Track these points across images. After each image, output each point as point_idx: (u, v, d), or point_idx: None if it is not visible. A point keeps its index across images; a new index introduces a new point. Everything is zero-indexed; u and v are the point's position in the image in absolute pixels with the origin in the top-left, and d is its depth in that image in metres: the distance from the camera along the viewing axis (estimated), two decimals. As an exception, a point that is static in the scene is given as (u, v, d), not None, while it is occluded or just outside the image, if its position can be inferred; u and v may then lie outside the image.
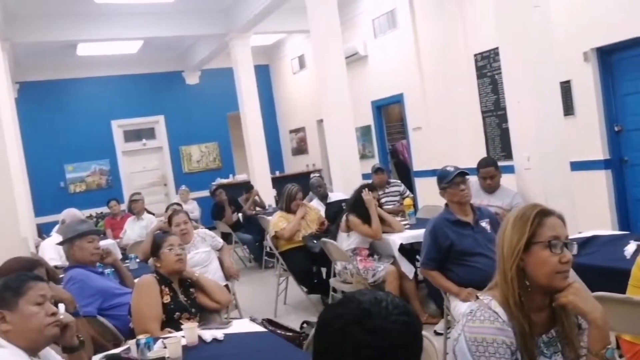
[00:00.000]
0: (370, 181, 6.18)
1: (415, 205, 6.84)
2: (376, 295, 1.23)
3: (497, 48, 6.94)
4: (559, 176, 4.58)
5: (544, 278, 1.66)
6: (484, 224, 3.62)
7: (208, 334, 2.53)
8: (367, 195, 4.73)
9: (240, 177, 11.90)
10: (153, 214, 7.90)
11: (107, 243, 6.34)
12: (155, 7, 9.18)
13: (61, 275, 3.95)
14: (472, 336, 1.63)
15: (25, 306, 1.91)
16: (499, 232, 1.78)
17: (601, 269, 2.95)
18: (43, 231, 9.04)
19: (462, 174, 3.61)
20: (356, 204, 4.77)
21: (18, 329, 1.88)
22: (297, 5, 8.45)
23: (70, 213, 5.56)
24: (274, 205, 9.15)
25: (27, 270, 2.44)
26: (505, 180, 4.81)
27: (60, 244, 3.71)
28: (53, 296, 2.13)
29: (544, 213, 1.71)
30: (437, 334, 4.24)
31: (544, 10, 4.46)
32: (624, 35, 5.71)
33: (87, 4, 8.43)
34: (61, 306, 2.43)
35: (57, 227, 6.19)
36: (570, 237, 3.72)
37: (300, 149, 13.33)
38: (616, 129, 6.15)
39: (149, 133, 12.98)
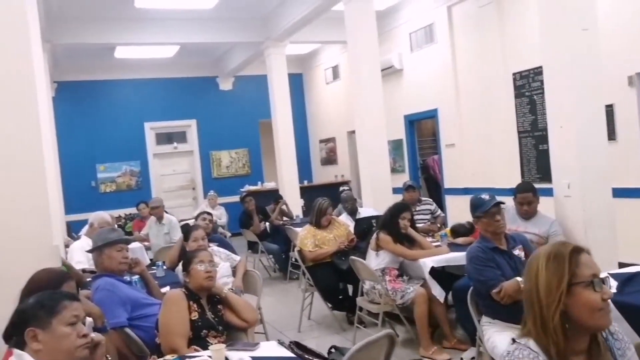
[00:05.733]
0: (402, 199, 6.12)
1: (445, 224, 6.71)
2: None
3: (537, 68, 6.83)
4: (600, 205, 4.42)
5: (589, 319, 1.58)
6: (517, 251, 3.50)
7: (236, 357, 2.47)
8: (405, 222, 4.65)
9: (268, 185, 11.90)
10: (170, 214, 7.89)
11: (134, 246, 6.38)
12: (193, 13, 9.25)
13: (88, 279, 3.96)
14: None
15: (58, 326, 1.87)
16: (528, 275, 1.67)
17: (647, 310, 2.79)
18: (72, 229, 9.15)
19: (498, 204, 3.49)
20: (390, 223, 4.67)
21: (48, 349, 1.84)
22: (333, 16, 8.43)
23: (99, 217, 5.58)
24: (301, 215, 9.11)
25: (56, 283, 2.41)
26: (541, 204, 4.65)
27: (89, 251, 3.70)
28: (83, 309, 2.09)
29: (577, 250, 1.63)
30: (465, 362, 4.12)
31: (593, 34, 4.33)
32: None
33: (127, 8, 8.54)
34: (89, 320, 2.40)
35: (85, 228, 6.23)
36: (610, 271, 3.60)
37: (330, 160, 13.27)
38: (659, 156, 5.95)
39: (181, 136, 13.08)
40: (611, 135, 5.92)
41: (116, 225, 7.99)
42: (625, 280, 3.18)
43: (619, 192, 5.01)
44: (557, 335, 1.57)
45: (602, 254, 4.23)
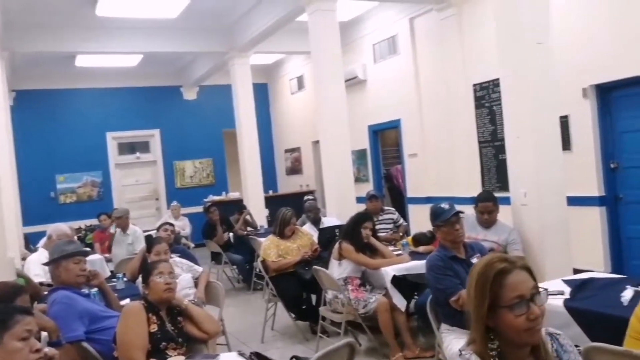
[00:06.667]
0: (364, 208, 6.16)
1: (408, 232, 6.80)
2: None
3: (496, 79, 7.00)
4: (556, 212, 4.55)
5: (515, 338, 1.63)
6: (475, 260, 3.56)
7: (194, 369, 2.45)
8: (366, 232, 4.68)
9: (233, 195, 11.83)
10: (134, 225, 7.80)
11: (94, 258, 6.26)
12: (157, 23, 9.17)
13: (45, 292, 3.87)
14: None
15: (9, 341, 1.83)
16: (467, 286, 1.72)
17: (597, 314, 2.88)
18: (30, 241, 8.92)
19: (457, 213, 3.57)
20: (352, 233, 4.70)
21: None
22: (298, 27, 8.47)
23: (57, 229, 5.46)
24: (265, 225, 9.08)
25: (10, 296, 2.35)
26: (500, 212, 4.76)
27: (46, 264, 3.62)
28: (37, 323, 2.05)
29: (503, 272, 1.64)
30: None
31: (547, 47, 4.47)
32: (623, 74, 5.76)
33: (88, 16, 8.41)
34: (44, 335, 2.35)
35: (43, 241, 6.08)
36: (565, 277, 3.69)
37: (295, 169, 13.29)
38: (612, 165, 6.16)
39: (144, 146, 12.91)
40: (566, 145, 6.10)
41: (76, 237, 7.83)
42: (578, 286, 3.28)
43: (573, 201, 5.18)
44: (485, 348, 1.64)
45: (557, 260, 4.38)
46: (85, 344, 3.09)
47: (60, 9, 8.20)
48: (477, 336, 1.65)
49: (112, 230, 7.83)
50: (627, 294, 2.96)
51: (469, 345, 1.69)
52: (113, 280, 4.95)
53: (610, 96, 6.13)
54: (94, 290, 3.71)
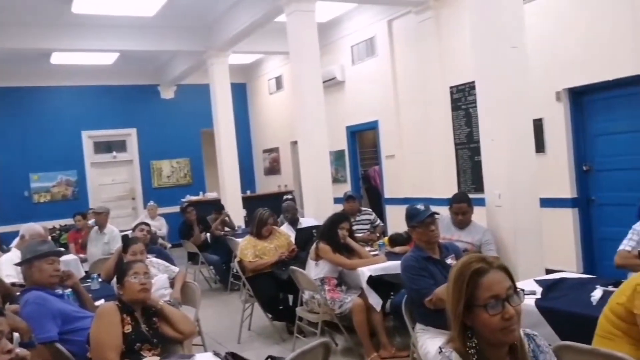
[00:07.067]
0: (342, 209, 6.20)
1: (385, 233, 6.85)
2: None
3: (472, 82, 7.05)
4: (529, 214, 4.63)
5: (490, 337, 1.67)
6: (450, 260, 3.61)
7: (169, 369, 2.44)
8: (343, 232, 4.70)
9: (210, 195, 11.77)
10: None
11: (69, 258, 6.18)
12: (134, 21, 9.08)
13: (18, 293, 3.81)
14: None
15: None
16: (447, 285, 1.76)
17: (568, 314, 2.95)
18: (3, 242, 8.75)
19: (432, 214, 3.61)
20: (329, 233, 4.72)
21: None
22: (276, 27, 8.47)
23: (30, 228, 5.38)
24: (243, 226, 9.06)
25: (-20, 297, 2.32)
26: (475, 213, 4.83)
27: (18, 264, 3.57)
28: (9, 324, 2.03)
29: (479, 272, 1.68)
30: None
31: (521, 51, 4.54)
32: (595, 78, 5.87)
33: (64, 13, 8.29)
34: (16, 336, 2.32)
35: (15, 241, 5.99)
36: (537, 277, 3.74)
37: (273, 169, 13.27)
38: (584, 168, 6.27)
39: (120, 145, 12.78)
40: (540, 147, 6.20)
41: (50, 237, 7.72)
42: (550, 286, 3.35)
43: (546, 202, 5.27)
44: (464, 346, 1.67)
45: (530, 260, 4.45)
46: (58, 345, 3.06)
47: (36, 5, 8.07)
48: (455, 334, 1.69)
49: (90, 223, 7.76)
50: (597, 293, 3.03)
51: (449, 343, 1.73)
52: (88, 280, 4.90)
53: (584, 100, 6.24)
54: (68, 290, 3.68)
